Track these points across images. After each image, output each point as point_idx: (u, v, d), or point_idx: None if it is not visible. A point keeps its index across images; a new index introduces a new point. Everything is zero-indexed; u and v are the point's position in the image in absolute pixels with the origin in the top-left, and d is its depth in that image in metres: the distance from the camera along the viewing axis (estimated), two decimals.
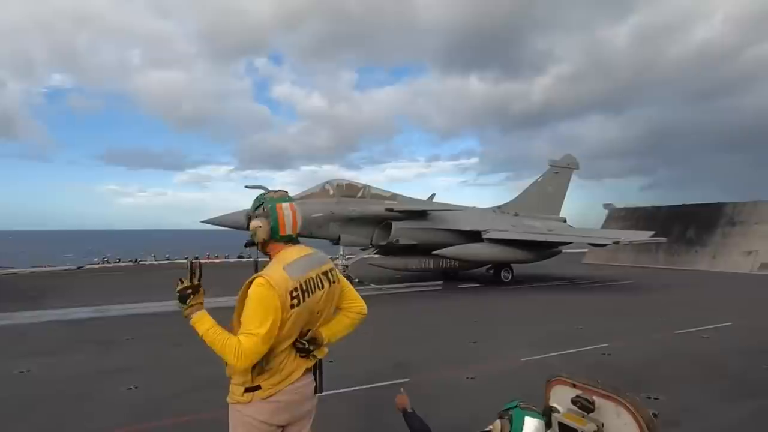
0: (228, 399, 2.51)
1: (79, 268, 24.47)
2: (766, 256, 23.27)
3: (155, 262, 28.57)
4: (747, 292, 17.10)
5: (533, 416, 2.55)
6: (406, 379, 6.36)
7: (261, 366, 2.41)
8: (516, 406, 2.59)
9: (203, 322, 2.37)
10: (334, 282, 2.66)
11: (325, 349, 2.73)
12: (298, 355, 2.53)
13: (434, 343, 8.85)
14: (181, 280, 2.44)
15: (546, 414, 2.90)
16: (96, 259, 30.22)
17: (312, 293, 2.49)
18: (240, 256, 32.94)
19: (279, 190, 2.71)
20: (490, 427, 2.64)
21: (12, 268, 23.94)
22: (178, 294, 2.43)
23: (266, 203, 2.59)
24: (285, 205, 2.60)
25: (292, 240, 2.64)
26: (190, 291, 2.42)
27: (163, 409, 5.49)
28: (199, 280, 2.46)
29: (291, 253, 2.56)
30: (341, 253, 16.60)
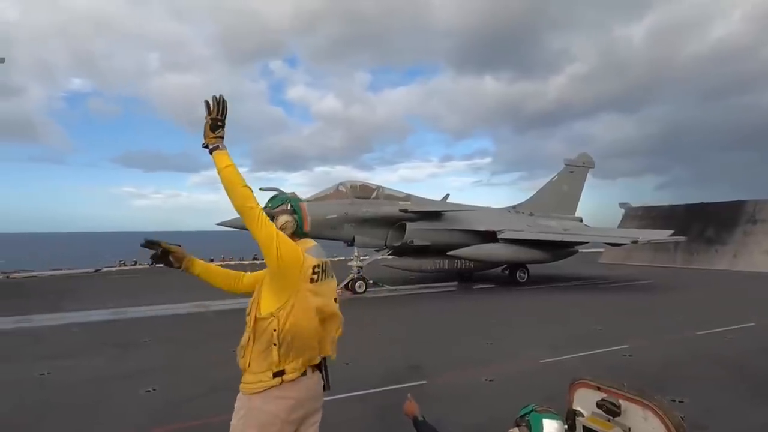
0: (247, 390, 2.51)
1: (96, 270, 24.80)
2: None
3: None
4: None
5: (551, 418, 2.48)
6: (423, 381, 6.31)
7: (287, 345, 2.48)
8: (532, 411, 2.52)
9: (225, 158, 2.46)
10: (331, 277, 2.82)
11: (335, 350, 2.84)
12: (318, 336, 2.63)
13: (450, 345, 8.78)
14: (209, 109, 2.47)
15: (569, 418, 2.82)
16: (114, 262, 30.61)
17: (329, 277, 2.73)
18: (255, 258, 33.13)
19: (292, 192, 2.96)
20: None
21: (32, 270, 24.34)
22: (210, 121, 2.46)
23: (290, 201, 2.81)
24: (304, 204, 2.87)
25: (304, 237, 2.85)
26: (220, 124, 2.50)
27: (182, 412, 5.51)
28: (225, 117, 2.53)
29: (308, 243, 2.78)
30: (356, 254, 16.57)
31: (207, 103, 2.48)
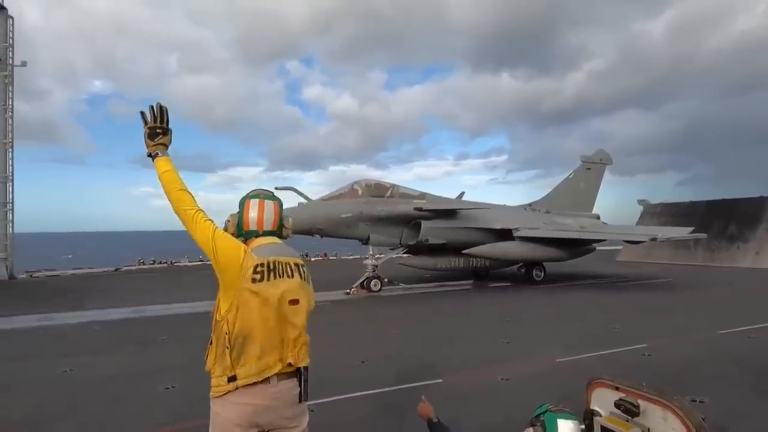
0: (211, 394, 2.51)
1: (116, 269, 25.21)
2: None
3: (189, 264, 29.20)
4: None
5: (566, 418, 2.44)
6: (439, 380, 6.30)
7: (238, 348, 2.42)
8: (546, 411, 2.48)
9: (164, 163, 2.53)
10: (305, 279, 2.63)
11: (305, 361, 2.62)
12: (271, 342, 2.48)
13: (466, 343, 8.74)
14: (145, 120, 2.55)
15: (587, 417, 2.79)
16: (133, 261, 31.08)
17: (279, 276, 2.48)
18: None
19: (265, 189, 2.76)
20: None
21: (54, 269, 24.84)
22: (148, 130, 2.54)
23: (245, 198, 2.68)
24: (254, 201, 2.65)
25: (261, 236, 2.63)
26: (160, 131, 2.55)
27: (201, 409, 5.56)
28: (167, 124, 2.58)
29: (261, 240, 2.59)
30: (371, 252, 16.59)
31: (142, 114, 2.55)
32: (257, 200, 2.65)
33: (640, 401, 2.58)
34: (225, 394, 2.43)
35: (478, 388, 6.14)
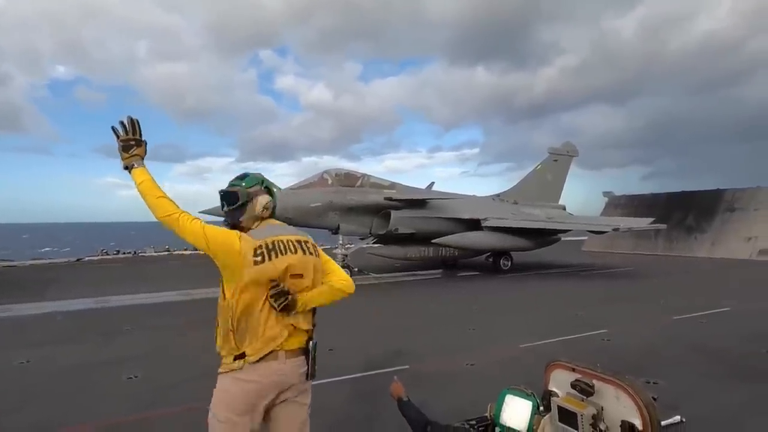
0: (220, 370, 2.56)
1: (78, 260, 24.46)
2: (765, 242, 23.29)
3: (155, 254, 28.57)
4: (746, 277, 17.14)
5: (515, 394, 2.58)
6: (406, 366, 6.38)
7: (242, 329, 2.48)
8: (507, 388, 2.63)
9: (141, 174, 2.53)
10: (312, 254, 2.71)
11: (311, 331, 2.71)
12: (275, 313, 2.53)
13: (434, 331, 8.87)
14: (117, 134, 2.55)
15: (545, 398, 2.90)
16: (96, 251, 30.21)
17: (281, 254, 2.55)
18: None
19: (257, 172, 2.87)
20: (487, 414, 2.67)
21: (11, 260, 23.92)
22: (121, 144, 2.55)
23: (264, 182, 2.76)
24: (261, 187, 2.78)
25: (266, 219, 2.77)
26: (134, 143, 2.56)
27: (165, 398, 5.51)
28: (140, 135, 2.59)
29: (263, 223, 2.72)
30: (340, 242, 16.58)
31: (114, 129, 2.56)
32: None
33: (594, 381, 2.69)
34: (231, 371, 2.50)
35: (444, 373, 6.26)
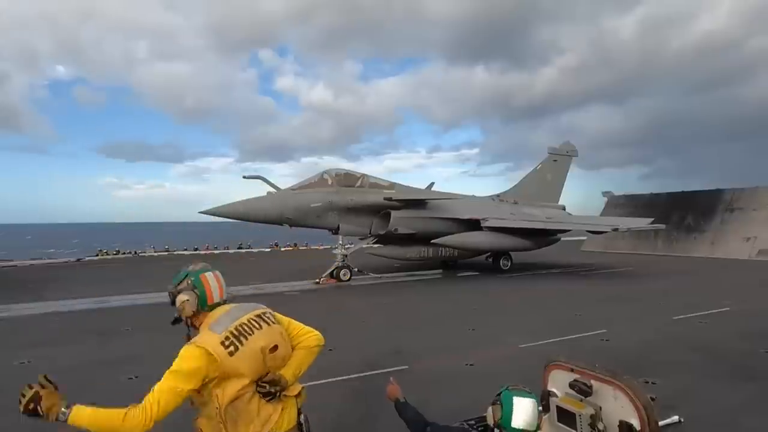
0: None
1: (78, 260, 24.48)
2: (764, 242, 23.30)
3: (155, 254, 28.60)
4: (745, 277, 17.15)
5: (522, 396, 2.56)
6: (405, 366, 6.40)
7: (232, 417, 2.38)
8: (506, 389, 2.60)
9: (82, 415, 2.20)
10: (274, 323, 2.60)
11: (301, 392, 2.65)
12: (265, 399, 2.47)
13: (433, 331, 8.88)
14: (22, 395, 2.21)
15: (544, 398, 2.91)
16: (96, 251, 30.24)
17: (249, 335, 2.43)
18: (239, 247, 32.99)
19: (200, 262, 2.70)
20: (486, 414, 2.66)
21: (11, 260, 23.94)
22: (26, 414, 2.19)
23: (189, 276, 2.58)
24: (209, 274, 2.62)
25: (221, 304, 2.61)
26: (33, 404, 2.19)
27: None
28: (56, 387, 2.25)
29: (215, 313, 2.54)
30: (340, 242, 16.60)
31: (22, 395, 2.23)
32: (211, 272, 2.62)
33: (592, 382, 2.71)
34: None
35: (443, 373, 6.27)
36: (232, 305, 2.61)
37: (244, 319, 2.48)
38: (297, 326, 2.75)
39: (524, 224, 18.78)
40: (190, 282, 2.57)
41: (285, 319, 2.73)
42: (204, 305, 2.56)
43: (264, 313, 2.60)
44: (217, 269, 2.70)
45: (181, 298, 2.54)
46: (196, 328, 2.56)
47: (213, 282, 2.60)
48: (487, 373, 6.20)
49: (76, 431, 2.18)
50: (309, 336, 2.71)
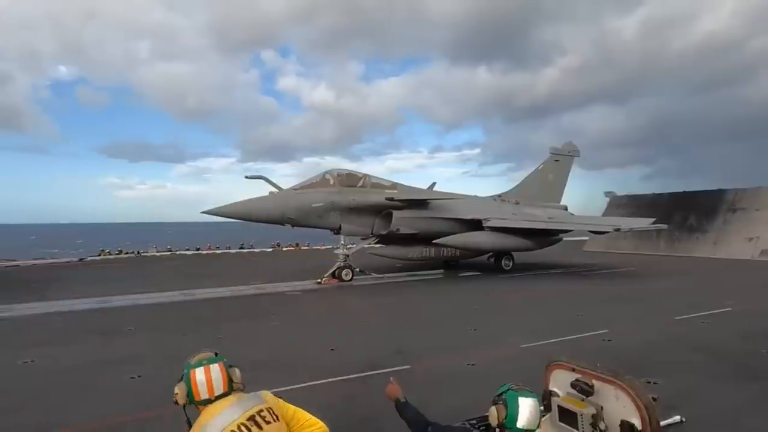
0: None
1: (80, 260, 24.52)
2: (767, 242, 23.24)
3: (157, 254, 28.64)
4: (748, 278, 17.12)
5: (526, 396, 2.55)
6: (407, 366, 6.40)
7: None
8: (508, 389, 2.59)
9: None
10: (272, 420, 2.50)
11: None
12: None
13: (435, 331, 8.89)
14: None
15: (545, 398, 2.91)
16: (99, 250, 30.30)
17: (262, 425, 2.41)
18: (241, 247, 33.03)
19: (206, 352, 2.64)
20: (488, 414, 2.65)
21: (14, 260, 23.99)
22: None
23: (185, 368, 2.57)
24: (199, 369, 2.54)
25: (215, 401, 2.53)
26: None
27: (167, 398, 5.52)
28: None
29: (213, 410, 2.48)
30: (342, 242, 16.61)
31: None
32: (202, 367, 2.54)
33: (594, 381, 2.71)
34: None
35: (445, 373, 6.27)
36: (233, 401, 2.51)
37: (244, 419, 2.41)
38: (303, 416, 2.70)
39: (526, 224, 18.76)
40: (183, 374, 2.56)
41: (291, 408, 2.68)
42: (192, 400, 2.52)
43: (260, 412, 2.48)
44: (224, 358, 2.62)
45: (176, 388, 2.55)
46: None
47: (201, 378, 2.51)
48: (489, 373, 6.19)
49: None
50: (314, 428, 2.69)
